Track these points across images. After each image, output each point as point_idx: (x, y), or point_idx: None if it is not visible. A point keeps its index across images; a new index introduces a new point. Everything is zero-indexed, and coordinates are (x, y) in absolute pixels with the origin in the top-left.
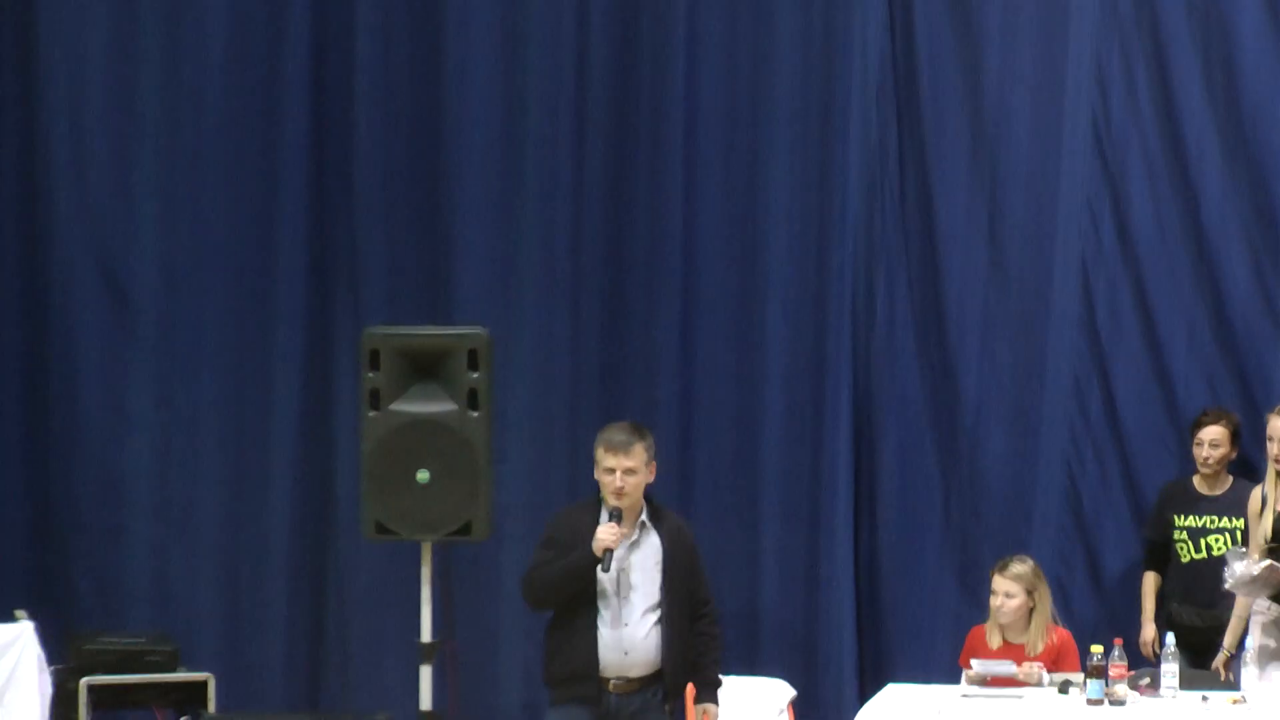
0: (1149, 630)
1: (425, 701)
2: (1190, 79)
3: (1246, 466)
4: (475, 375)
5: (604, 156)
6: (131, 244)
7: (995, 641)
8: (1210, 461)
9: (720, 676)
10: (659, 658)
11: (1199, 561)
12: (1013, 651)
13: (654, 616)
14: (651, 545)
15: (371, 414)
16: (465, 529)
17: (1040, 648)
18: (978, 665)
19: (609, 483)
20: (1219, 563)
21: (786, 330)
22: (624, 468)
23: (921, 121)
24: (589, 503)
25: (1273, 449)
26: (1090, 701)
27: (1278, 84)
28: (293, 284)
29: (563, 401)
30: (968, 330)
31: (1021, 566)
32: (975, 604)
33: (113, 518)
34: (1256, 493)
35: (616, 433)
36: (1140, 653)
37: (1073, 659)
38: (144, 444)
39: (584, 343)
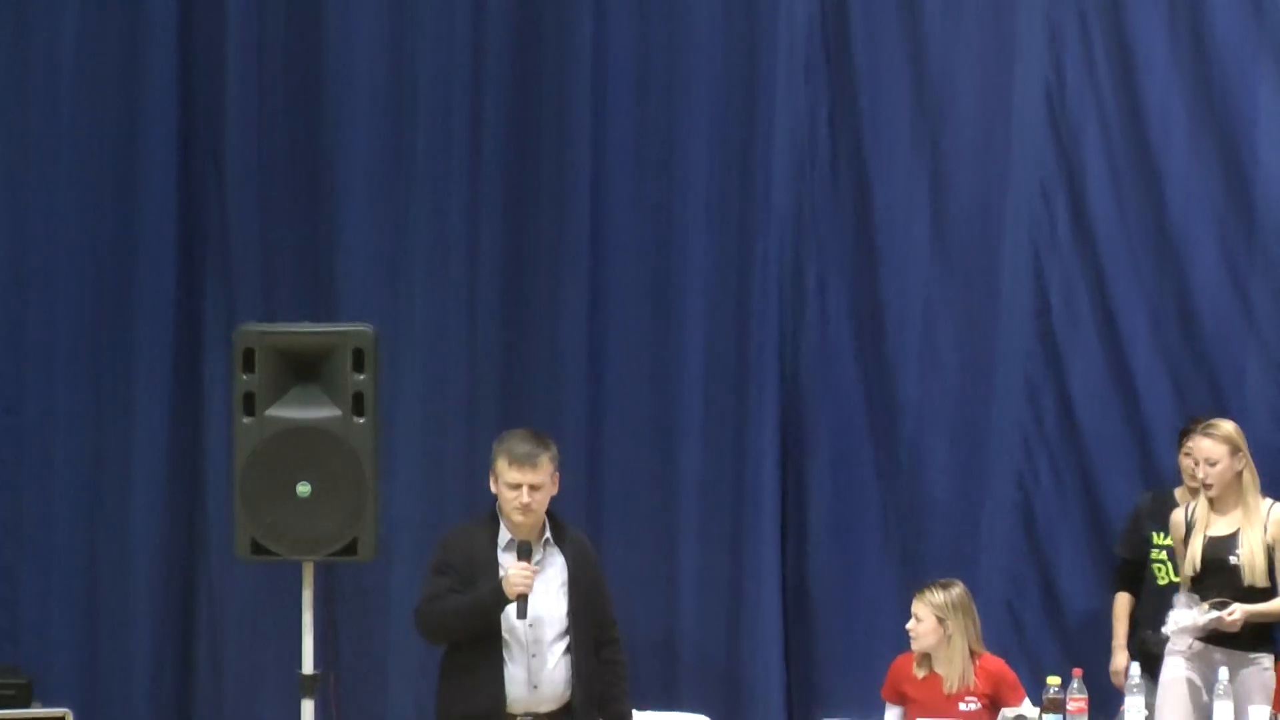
0: (1120, 658)
1: None
2: (1153, 42)
3: None
4: (361, 377)
5: (503, 136)
6: None
7: (921, 671)
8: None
9: (630, 710)
10: (568, 690)
11: (1178, 585)
12: (933, 683)
13: (562, 645)
14: (556, 566)
15: (245, 420)
16: (350, 548)
17: (957, 683)
18: None
19: (512, 499)
20: None
21: (706, 328)
22: (530, 483)
23: (856, 93)
24: (483, 521)
25: (1198, 471)
26: None
27: (1250, 46)
28: (157, 276)
29: (458, 407)
30: (908, 327)
31: (939, 594)
32: None
33: None
34: (1178, 516)
35: (520, 443)
36: (1111, 683)
37: (1011, 689)
38: None
39: (481, 342)
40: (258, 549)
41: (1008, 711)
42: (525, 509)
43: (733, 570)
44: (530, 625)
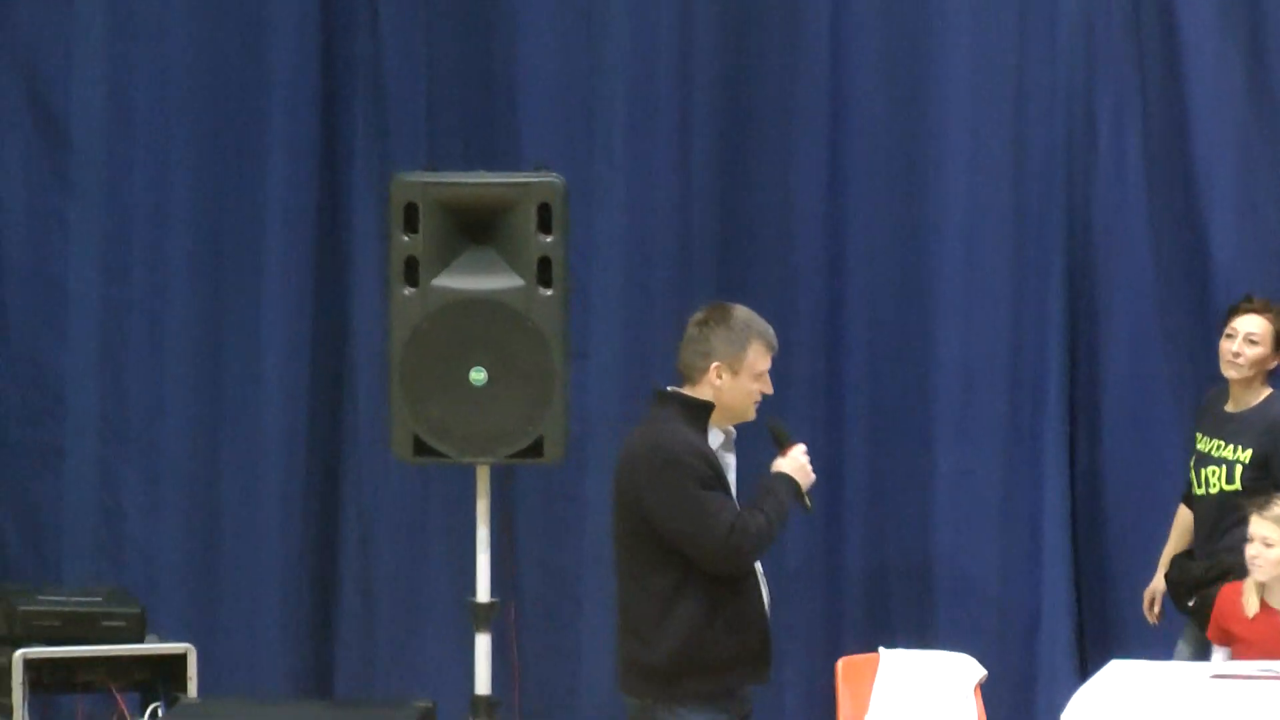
0: (1156, 580)
1: (482, 684)
2: None
3: None
4: (548, 239)
5: None
6: (70, 64)
7: (1252, 606)
8: (1241, 361)
9: None
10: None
11: (1198, 498)
12: (1271, 621)
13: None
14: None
15: (406, 291)
16: (535, 448)
17: None
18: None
19: (755, 392)
20: (1216, 504)
21: (969, 176)
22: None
23: None
24: (682, 421)
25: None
26: None
27: None
28: (294, 113)
29: (667, 275)
30: (1219, 173)
31: None
32: None
33: (49, 434)
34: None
35: (768, 326)
36: None
37: None
38: (88, 333)
39: (697, 196)
40: (421, 448)
41: None
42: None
43: (1004, 478)
44: None
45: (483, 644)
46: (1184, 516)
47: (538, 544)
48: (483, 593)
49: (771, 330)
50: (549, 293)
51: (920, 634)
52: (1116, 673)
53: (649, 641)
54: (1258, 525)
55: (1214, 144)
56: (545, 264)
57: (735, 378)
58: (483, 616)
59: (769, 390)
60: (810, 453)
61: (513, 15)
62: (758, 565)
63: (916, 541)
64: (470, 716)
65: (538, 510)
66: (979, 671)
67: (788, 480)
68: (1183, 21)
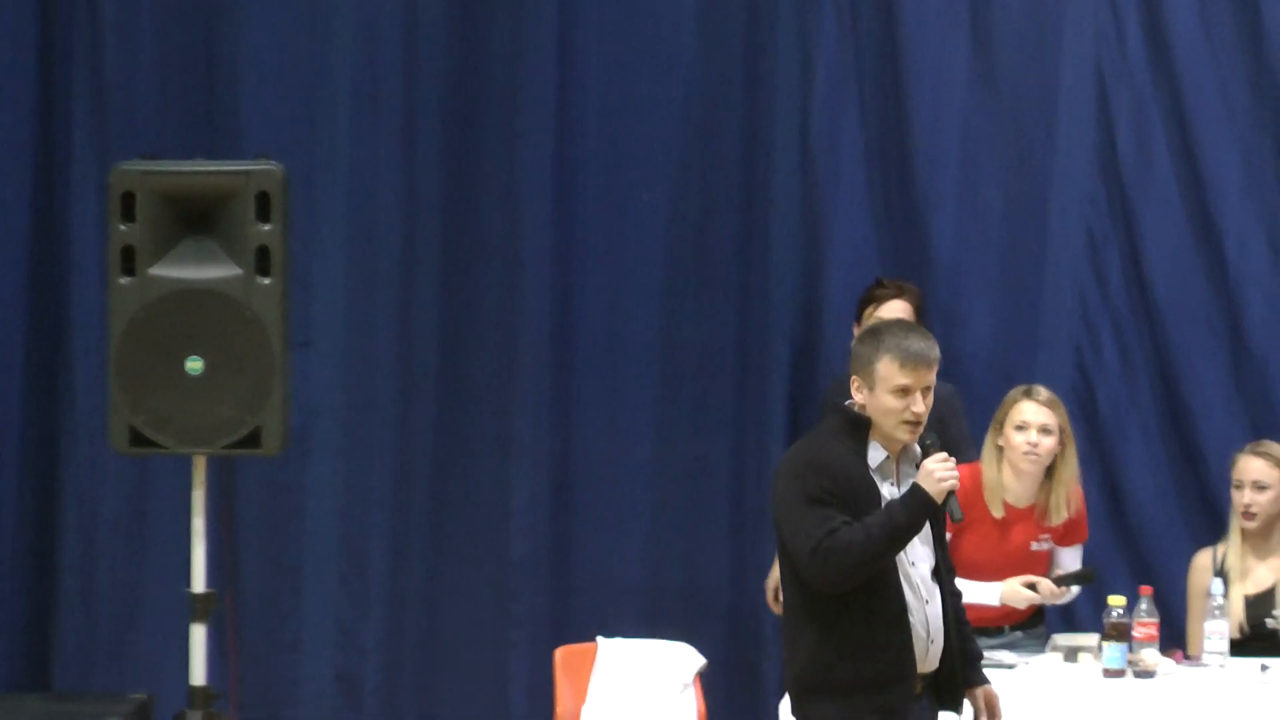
0: None
1: (197, 674)
2: None
3: None
4: (266, 228)
5: None
6: None
7: (997, 507)
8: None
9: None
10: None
11: None
12: (1020, 520)
13: (935, 584)
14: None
15: (123, 281)
16: (253, 438)
17: (1063, 516)
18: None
19: (901, 409)
20: None
21: (692, 169)
22: (926, 385)
23: None
24: (843, 434)
25: (1242, 497)
26: (1108, 672)
27: None
28: (11, 102)
29: (391, 263)
30: (942, 163)
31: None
32: None
33: None
34: (1202, 561)
35: (911, 337)
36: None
37: (1080, 531)
38: None
39: (421, 183)
40: (138, 440)
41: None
42: (917, 420)
43: (731, 464)
44: (914, 563)
45: (199, 635)
46: None
47: (259, 535)
48: (199, 584)
49: (914, 344)
50: (268, 281)
51: (642, 624)
52: None
53: (788, 659)
54: (1026, 410)
55: (935, 135)
56: (264, 253)
57: (872, 393)
58: (200, 607)
59: (917, 408)
60: (537, 443)
61: (236, 3)
62: (922, 587)
63: (641, 531)
64: (188, 708)
65: (260, 501)
66: (699, 660)
67: (914, 492)
68: (905, 12)
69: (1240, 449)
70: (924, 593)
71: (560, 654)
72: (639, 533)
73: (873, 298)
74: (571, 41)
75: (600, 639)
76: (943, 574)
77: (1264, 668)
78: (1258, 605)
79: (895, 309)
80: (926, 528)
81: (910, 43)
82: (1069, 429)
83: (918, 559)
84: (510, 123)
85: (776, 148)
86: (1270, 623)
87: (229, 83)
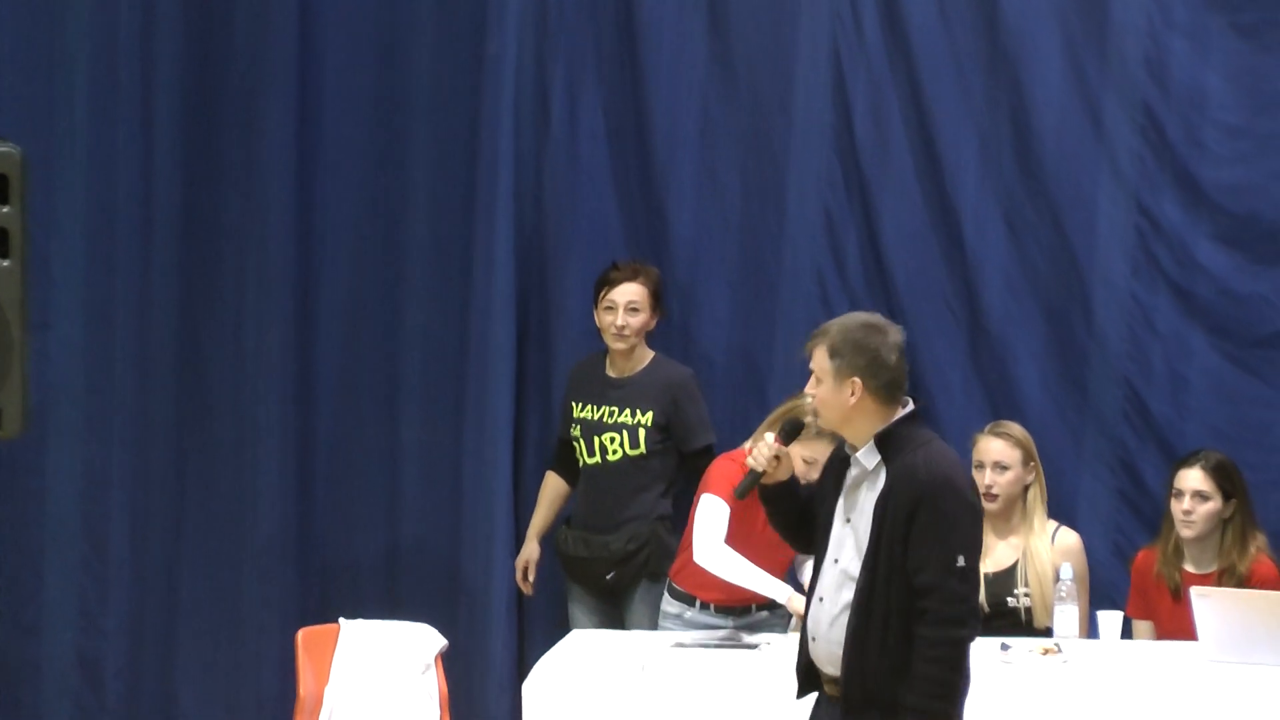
0: None
1: None
2: None
3: None
4: (6, 210)
5: None
6: None
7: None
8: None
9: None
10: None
11: (591, 467)
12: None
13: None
14: None
15: None
16: None
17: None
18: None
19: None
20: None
21: (436, 152)
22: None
23: None
24: None
25: (983, 478)
26: None
27: None
28: None
29: (131, 244)
30: (681, 144)
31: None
32: None
33: None
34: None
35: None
36: None
37: None
38: None
39: (160, 165)
40: None
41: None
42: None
43: (459, 446)
44: (835, 559)
45: None
46: (555, 485)
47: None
48: None
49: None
50: (7, 264)
51: (383, 606)
52: (576, 641)
53: None
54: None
55: (673, 117)
56: (3, 235)
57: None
58: None
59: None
60: (283, 424)
61: None
62: (826, 582)
63: (381, 514)
64: None
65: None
66: (440, 641)
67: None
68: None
69: (980, 430)
70: (823, 589)
71: (302, 635)
72: (379, 514)
73: (607, 280)
74: (312, 22)
75: (342, 620)
76: (875, 595)
77: (1005, 646)
78: (998, 584)
79: (629, 292)
80: (867, 530)
81: (648, 22)
82: None
83: (841, 556)
84: (250, 104)
85: (512, 129)
86: (1011, 601)
87: None
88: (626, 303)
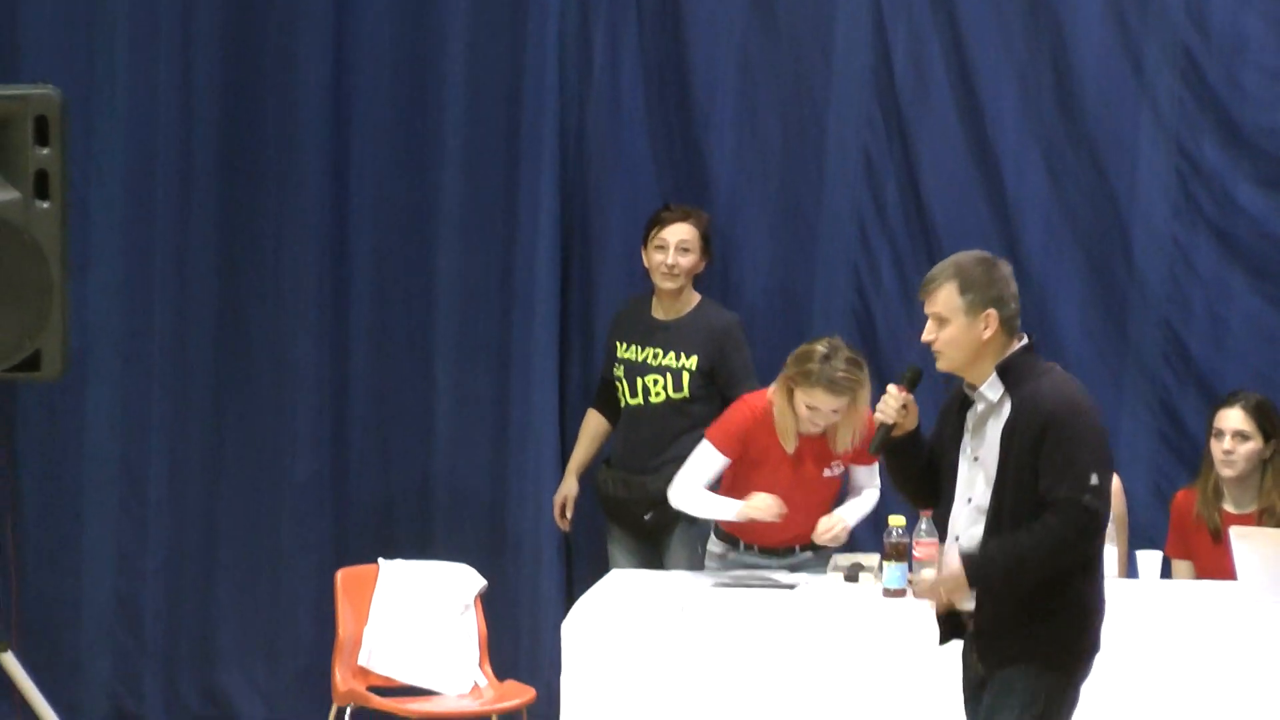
0: None
1: None
2: None
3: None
4: (45, 152)
5: None
6: None
7: (790, 442)
8: (677, 271)
9: None
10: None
11: (633, 408)
12: (810, 450)
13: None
14: None
15: None
16: (32, 362)
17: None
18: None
19: None
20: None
21: (470, 99)
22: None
23: None
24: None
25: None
26: (888, 592)
27: None
28: None
29: (170, 189)
30: (721, 88)
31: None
32: None
33: None
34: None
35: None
36: None
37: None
38: None
39: (200, 109)
40: None
41: (840, 557)
42: None
43: (499, 390)
44: (969, 499)
45: None
46: (596, 423)
47: (38, 459)
48: None
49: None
50: (46, 205)
51: (420, 547)
52: (615, 582)
53: None
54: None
55: (713, 61)
56: (43, 177)
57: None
58: None
59: None
60: (319, 373)
61: None
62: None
63: (420, 456)
64: None
65: (39, 425)
66: (479, 581)
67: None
68: None
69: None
70: (957, 528)
71: (341, 576)
72: (418, 457)
73: (658, 220)
74: None
75: (381, 560)
76: (1003, 521)
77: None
78: None
79: (680, 231)
80: (994, 465)
81: None
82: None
83: (974, 494)
84: (288, 47)
85: (556, 72)
86: None
87: (7, 8)
88: (678, 242)
